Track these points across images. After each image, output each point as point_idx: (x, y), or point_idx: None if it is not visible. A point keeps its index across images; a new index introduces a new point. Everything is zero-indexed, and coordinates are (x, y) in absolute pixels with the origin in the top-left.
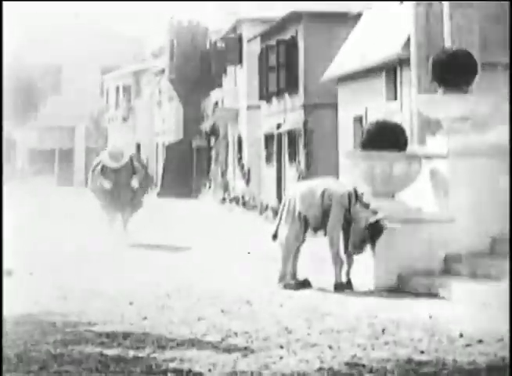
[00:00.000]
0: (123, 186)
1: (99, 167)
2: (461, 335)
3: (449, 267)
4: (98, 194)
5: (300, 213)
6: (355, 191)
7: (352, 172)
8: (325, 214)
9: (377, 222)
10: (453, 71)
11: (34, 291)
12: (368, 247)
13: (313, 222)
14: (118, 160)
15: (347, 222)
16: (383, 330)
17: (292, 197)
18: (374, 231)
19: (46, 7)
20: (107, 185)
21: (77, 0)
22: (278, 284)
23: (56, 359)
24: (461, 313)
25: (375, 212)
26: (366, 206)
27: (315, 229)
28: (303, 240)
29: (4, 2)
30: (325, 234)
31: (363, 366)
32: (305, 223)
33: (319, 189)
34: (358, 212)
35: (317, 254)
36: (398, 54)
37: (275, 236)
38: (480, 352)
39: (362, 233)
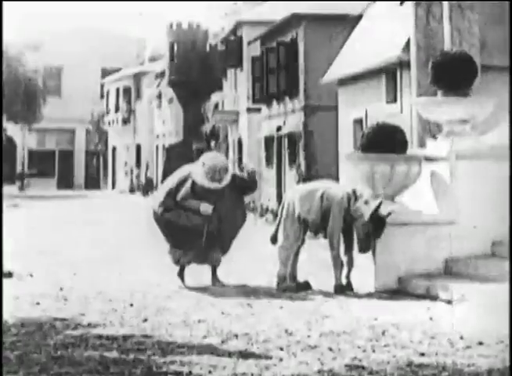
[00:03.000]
0: (224, 216)
1: (188, 185)
2: (461, 337)
3: (450, 269)
4: (175, 230)
5: (299, 215)
6: (354, 192)
7: (352, 175)
8: (324, 216)
9: (377, 212)
10: (453, 73)
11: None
12: (374, 242)
13: (312, 224)
14: (219, 180)
15: (348, 224)
16: (383, 333)
17: (291, 199)
18: (377, 222)
19: (46, 7)
20: (207, 209)
21: (77, 0)
22: (278, 287)
23: (56, 361)
24: (461, 315)
25: (374, 204)
26: (366, 202)
27: (315, 232)
28: (302, 243)
29: (4, 2)
30: (325, 236)
31: (363, 368)
32: (304, 226)
33: (318, 191)
34: (358, 209)
35: (317, 256)
36: (398, 56)
37: (274, 239)
38: (480, 355)
39: (365, 227)
